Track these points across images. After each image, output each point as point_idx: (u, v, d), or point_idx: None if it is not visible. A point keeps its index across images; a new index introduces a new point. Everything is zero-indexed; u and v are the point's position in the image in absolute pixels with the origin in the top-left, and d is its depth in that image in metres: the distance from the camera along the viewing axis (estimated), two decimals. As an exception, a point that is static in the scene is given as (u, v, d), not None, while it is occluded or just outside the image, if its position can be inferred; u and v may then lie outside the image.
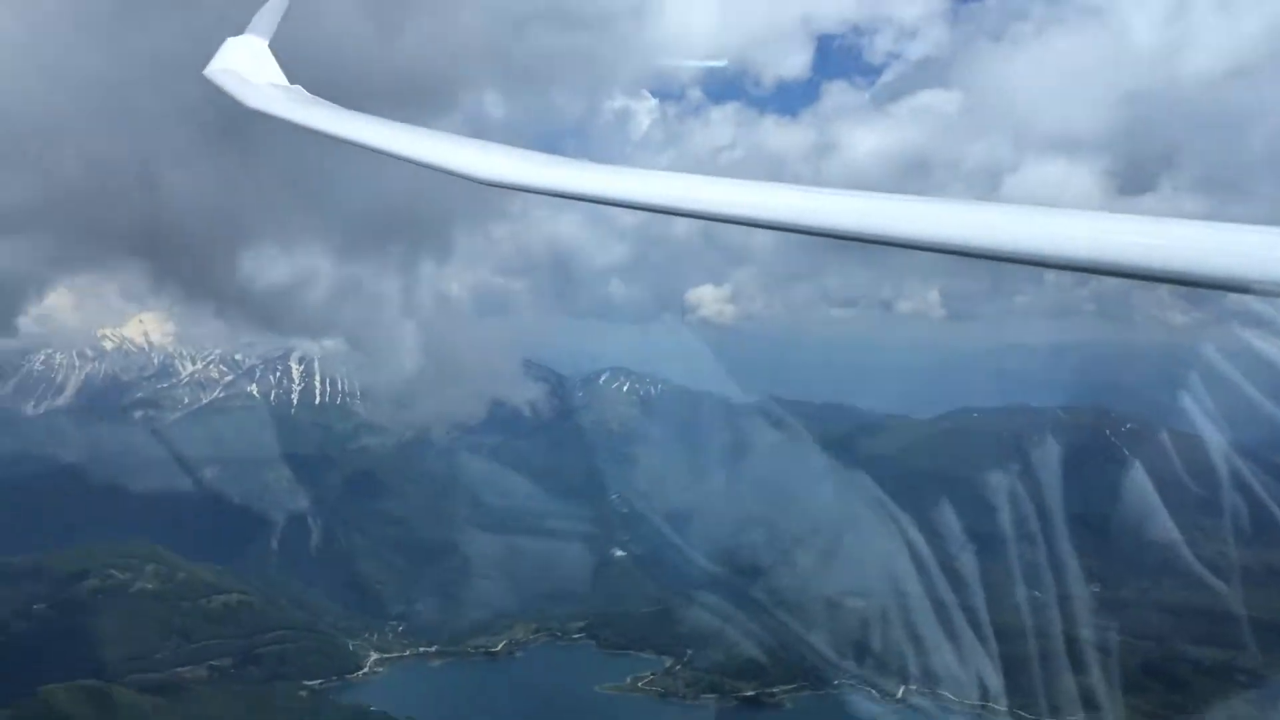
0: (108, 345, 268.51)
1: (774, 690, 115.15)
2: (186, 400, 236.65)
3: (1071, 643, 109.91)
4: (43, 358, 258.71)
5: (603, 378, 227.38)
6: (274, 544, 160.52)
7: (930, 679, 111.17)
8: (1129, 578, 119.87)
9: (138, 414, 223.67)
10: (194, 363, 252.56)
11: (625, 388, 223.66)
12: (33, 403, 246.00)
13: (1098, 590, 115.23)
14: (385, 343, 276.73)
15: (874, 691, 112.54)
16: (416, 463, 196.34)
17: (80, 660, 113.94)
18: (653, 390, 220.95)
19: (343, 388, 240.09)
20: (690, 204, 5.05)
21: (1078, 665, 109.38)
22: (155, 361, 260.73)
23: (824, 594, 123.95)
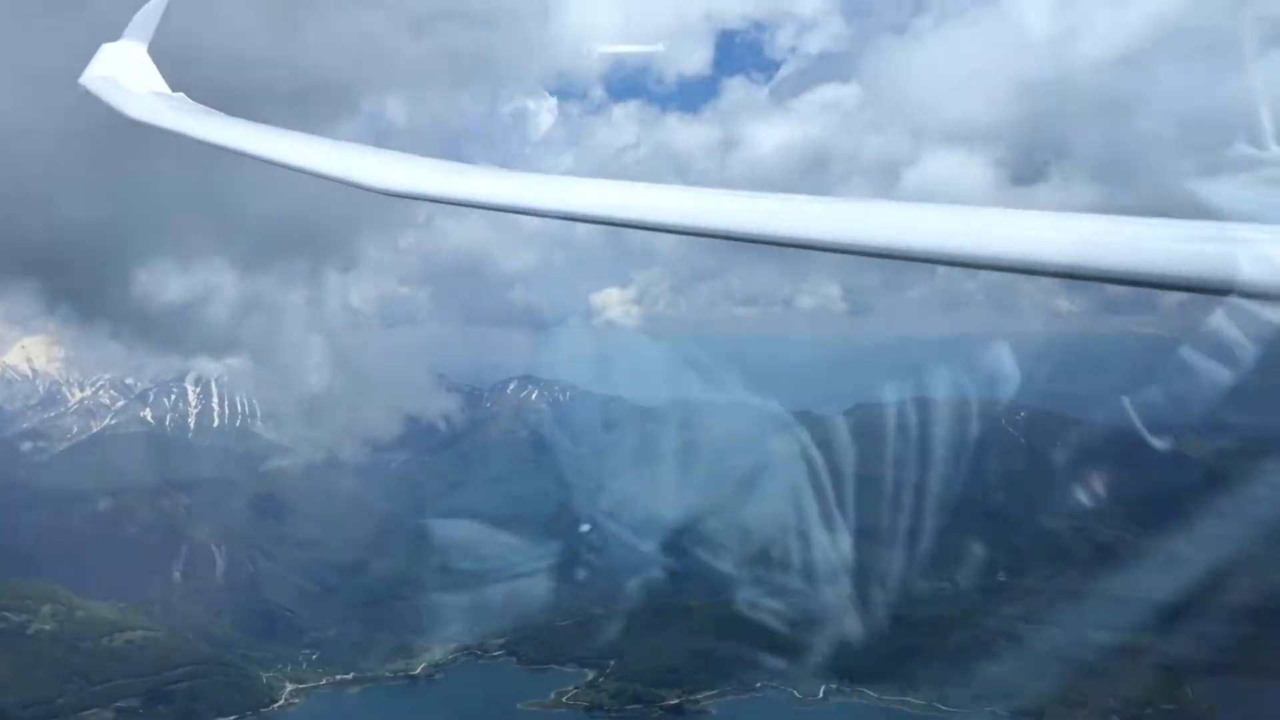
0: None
1: (698, 697, 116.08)
2: (75, 429, 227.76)
3: (982, 632, 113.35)
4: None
5: (510, 386, 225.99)
6: (176, 575, 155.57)
7: (850, 676, 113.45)
8: (1033, 566, 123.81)
9: (25, 445, 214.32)
10: (82, 389, 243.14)
11: (534, 395, 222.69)
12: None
13: (1004, 579, 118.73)
14: (290, 359, 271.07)
15: (796, 692, 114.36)
16: (323, 483, 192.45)
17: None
18: (561, 397, 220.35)
19: (242, 409, 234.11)
20: (591, 209, 4.99)
21: (989, 654, 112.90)
22: (41, 389, 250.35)
23: (741, 596, 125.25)
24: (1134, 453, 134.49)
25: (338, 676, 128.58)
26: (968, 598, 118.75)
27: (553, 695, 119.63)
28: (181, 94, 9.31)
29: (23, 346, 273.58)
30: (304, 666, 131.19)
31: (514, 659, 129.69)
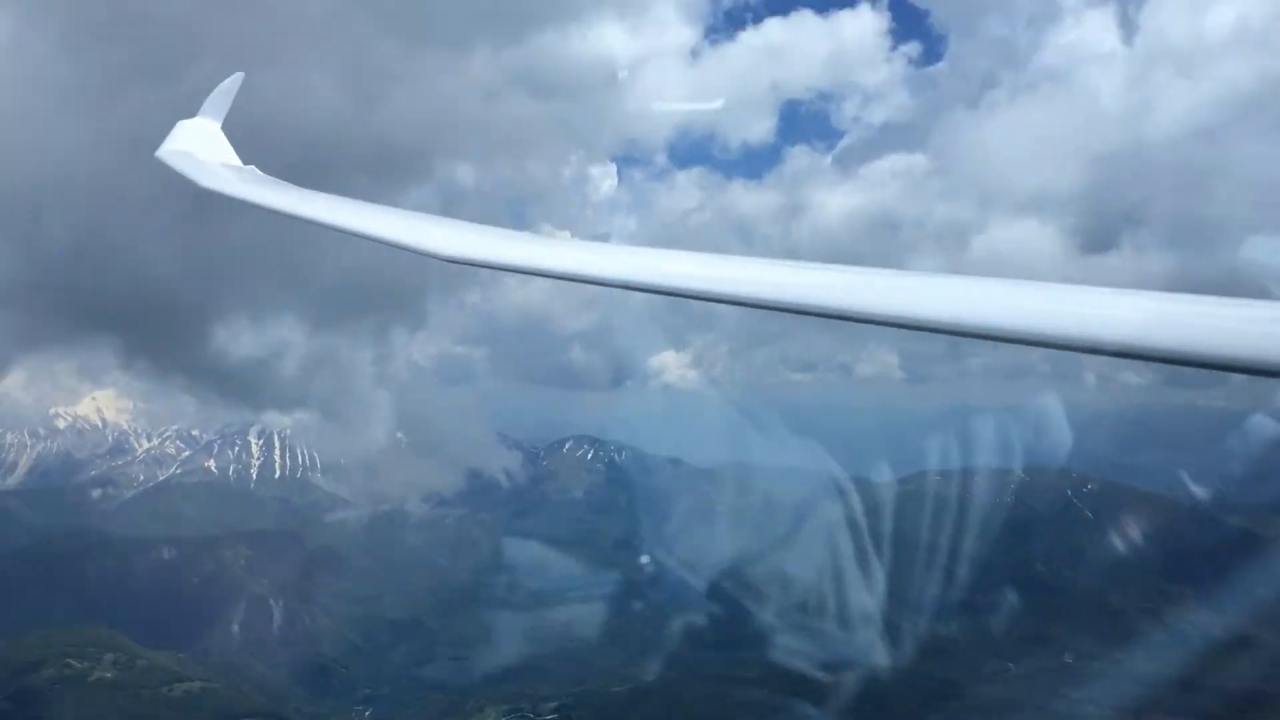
0: (60, 424, 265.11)
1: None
2: (142, 477, 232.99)
3: (1048, 714, 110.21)
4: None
5: (567, 445, 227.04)
6: (235, 627, 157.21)
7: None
8: (1100, 646, 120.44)
9: (95, 493, 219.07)
10: (149, 439, 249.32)
11: (589, 455, 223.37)
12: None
13: (1071, 661, 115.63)
14: (352, 414, 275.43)
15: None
16: (380, 537, 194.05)
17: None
18: (616, 457, 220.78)
19: (303, 461, 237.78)
20: (653, 279, 5.01)
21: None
22: (110, 439, 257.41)
23: (795, 665, 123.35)
24: (1204, 528, 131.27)
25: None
26: (1033, 680, 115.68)
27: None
28: (253, 166, 9.72)
29: (93, 398, 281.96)
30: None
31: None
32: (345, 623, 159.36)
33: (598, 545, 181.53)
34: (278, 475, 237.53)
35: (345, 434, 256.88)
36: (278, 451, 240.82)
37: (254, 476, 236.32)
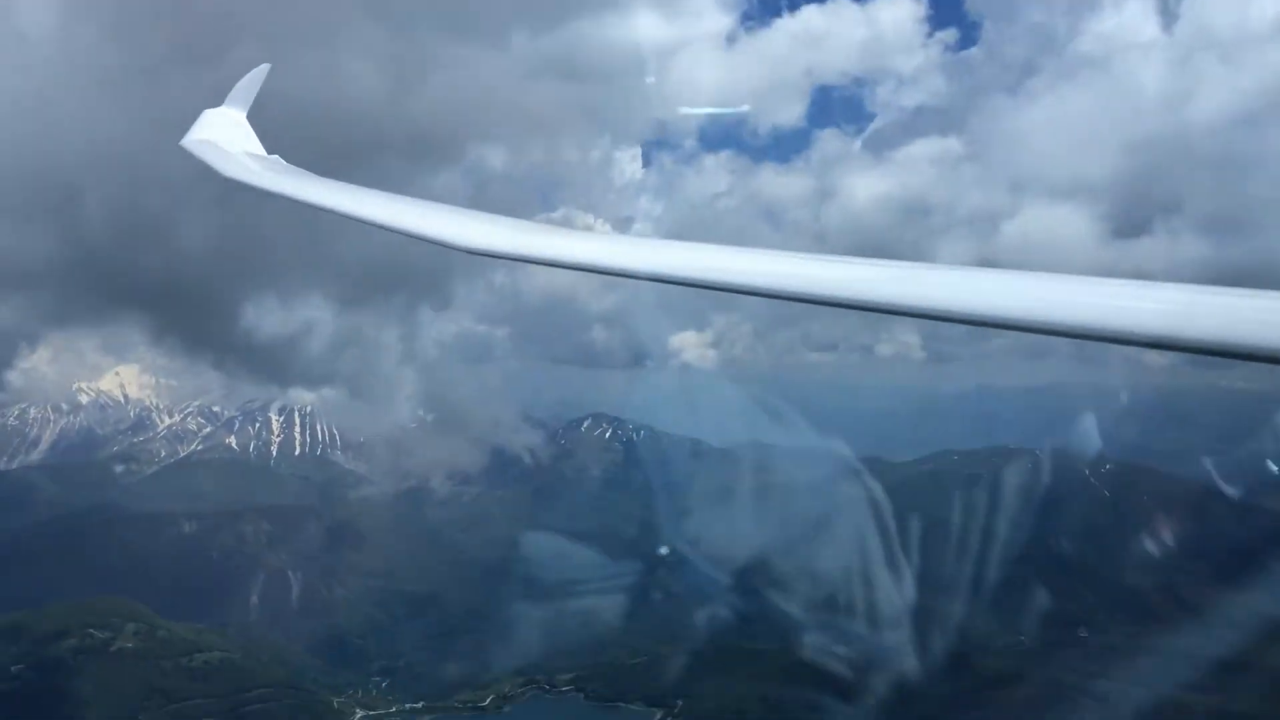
0: (83, 399, 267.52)
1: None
2: (164, 453, 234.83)
3: (1061, 688, 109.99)
4: (16, 412, 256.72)
5: (585, 424, 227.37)
6: (254, 599, 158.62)
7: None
8: (1116, 622, 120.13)
9: (118, 468, 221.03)
10: (171, 415, 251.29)
11: (608, 434, 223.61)
12: (5, 458, 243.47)
13: (1086, 636, 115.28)
14: (371, 391, 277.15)
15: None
16: (398, 513, 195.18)
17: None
18: (634, 436, 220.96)
19: (323, 438, 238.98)
20: (671, 271, 5.06)
21: (1066, 710, 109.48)
22: (131, 414, 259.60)
23: (809, 640, 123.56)
24: (1221, 508, 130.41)
25: (407, 705, 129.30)
26: (1046, 652, 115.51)
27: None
28: (277, 156, 9.82)
29: (116, 373, 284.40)
30: (374, 694, 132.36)
31: (581, 694, 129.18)
32: (363, 596, 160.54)
33: (615, 524, 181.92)
34: (298, 452, 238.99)
35: (366, 411, 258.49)
36: (298, 428, 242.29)
37: (274, 453, 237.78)
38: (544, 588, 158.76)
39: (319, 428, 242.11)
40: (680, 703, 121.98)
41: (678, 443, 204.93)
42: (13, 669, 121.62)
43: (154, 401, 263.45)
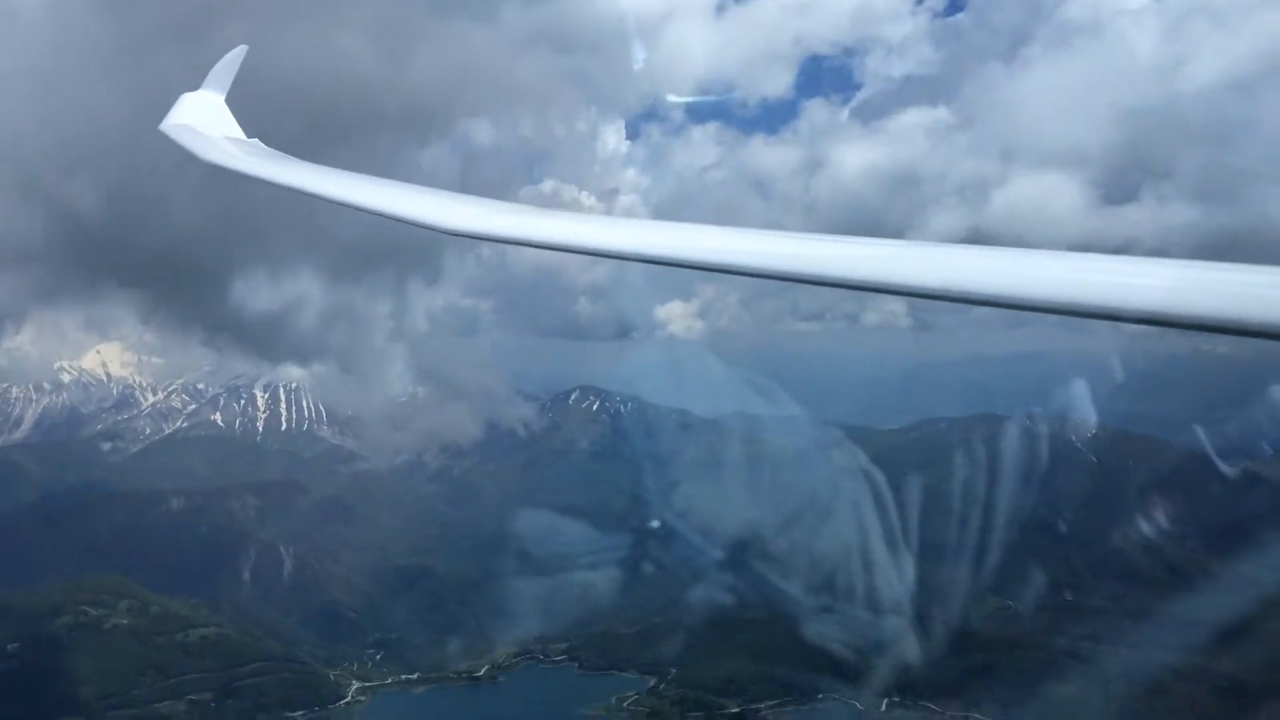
0: (65, 378, 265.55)
1: (759, 706, 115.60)
2: (149, 431, 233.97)
3: (1048, 651, 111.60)
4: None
5: (573, 396, 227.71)
6: (245, 574, 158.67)
7: (912, 691, 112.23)
8: (1101, 584, 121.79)
9: (105, 446, 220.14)
10: (155, 393, 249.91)
11: (595, 406, 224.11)
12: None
13: (1070, 598, 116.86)
14: (355, 367, 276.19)
15: (857, 704, 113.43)
16: (386, 487, 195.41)
17: (58, 699, 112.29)
18: (622, 408, 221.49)
19: (309, 414, 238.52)
20: (653, 251, 5.08)
21: (1055, 673, 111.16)
22: (115, 393, 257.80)
23: (801, 609, 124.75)
24: (1205, 472, 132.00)
25: (403, 676, 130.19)
26: (1033, 617, 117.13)
27: (613, 700, 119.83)
28: (256, 140, 9.81)
29: (98, 352, 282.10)
30: (369, 666, 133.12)
31: (575, 664, 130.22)
32: (354, 570, 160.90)
33: (605, 496, 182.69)
34: (284, 428, 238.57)
35: (352, 386, 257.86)
36: (283, 405, 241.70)
37: (260, 430, 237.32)
38: (536, 560, 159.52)
39: (305, 404, 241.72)
40: (673, 671, 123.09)
41: (666, 414, 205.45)
42: (8, 648, 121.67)
43: (137, 379, 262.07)
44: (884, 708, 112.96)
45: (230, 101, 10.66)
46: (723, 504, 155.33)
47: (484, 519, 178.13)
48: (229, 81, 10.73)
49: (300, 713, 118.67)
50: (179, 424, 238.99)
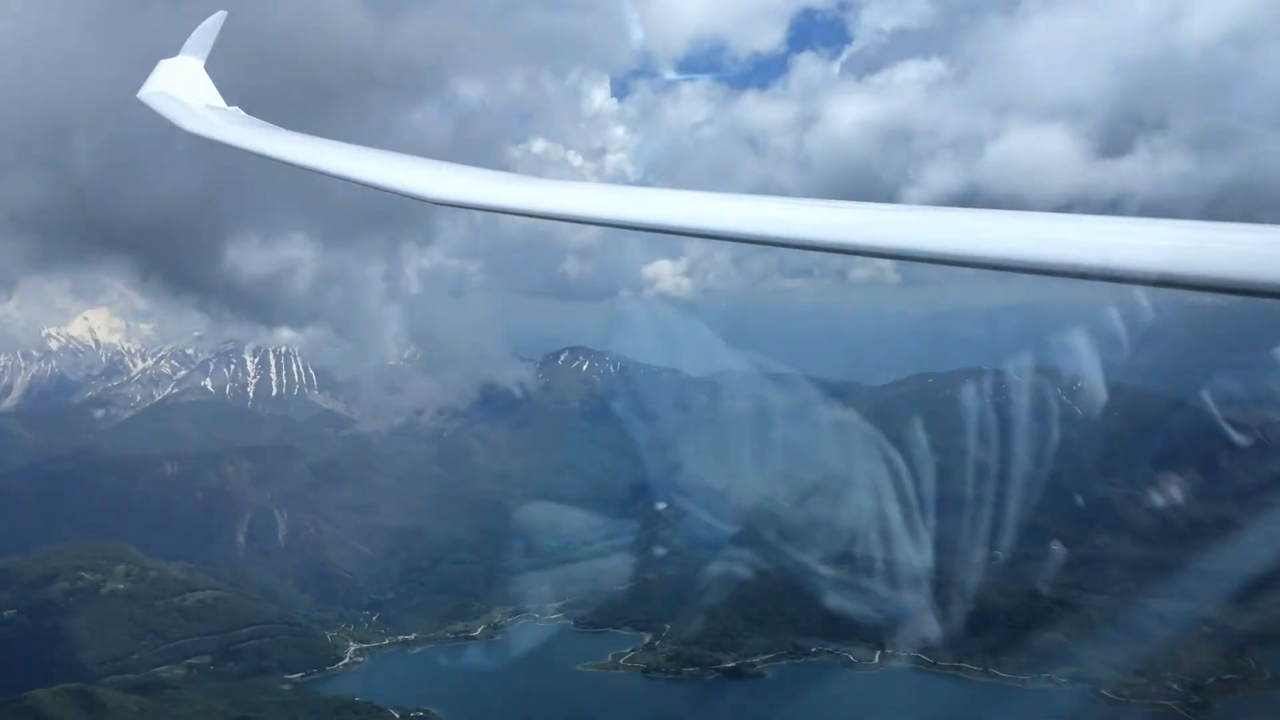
0: (53, 345, 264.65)
1: (753, 660, 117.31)
2: (139, 397, 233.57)
3: (1037, 600, 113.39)
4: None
5: (562, 357, 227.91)
6: (241, 539, 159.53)
7: (904, 642, 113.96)
8: (1087, 535, 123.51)
9: (98, 413, 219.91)
10: (144, 359, 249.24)
11: (585, 366, 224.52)
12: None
13: (1057, 548, 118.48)
14: (345, 331, 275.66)
15: (850, 657, 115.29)
16: (378, 450, 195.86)
17: (56, 664, 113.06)
18: (612, 368, 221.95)
19: (300, 378, 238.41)
20: (637, 217, 5.11)
21: (1045, 623, 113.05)
22: (103, 359, 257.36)
23: (792, 564, 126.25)
24: (1190, 422, 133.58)
25: (400, 637, 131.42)
26: (1022, 567, 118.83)
27: (610, 657, 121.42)
28: (236, 108, 9.65)
29: (85, 318, 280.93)
30: (365, 627, 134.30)
31: (570, 622, 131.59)
32: (349, 532, 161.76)
33: (596, 456, 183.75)
34: (274, 393, 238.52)
35: (341, 350, 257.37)
36: (273, 369, 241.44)
37: (251, 395, 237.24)
38: (528, 520, 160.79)
39: (294, 368, 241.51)
40: (668, 627, 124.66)
41: (655, 373, 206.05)
42: (5, 614, 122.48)
43: (125, 346, 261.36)
44: (876, 660, 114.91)
45: (210, 67, 10.52)
46: (714, 462, 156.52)
47: (476, 480, 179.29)
48: (208, 47, 10.53)
49: (299, 674, 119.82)
50: (169, 390, 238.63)
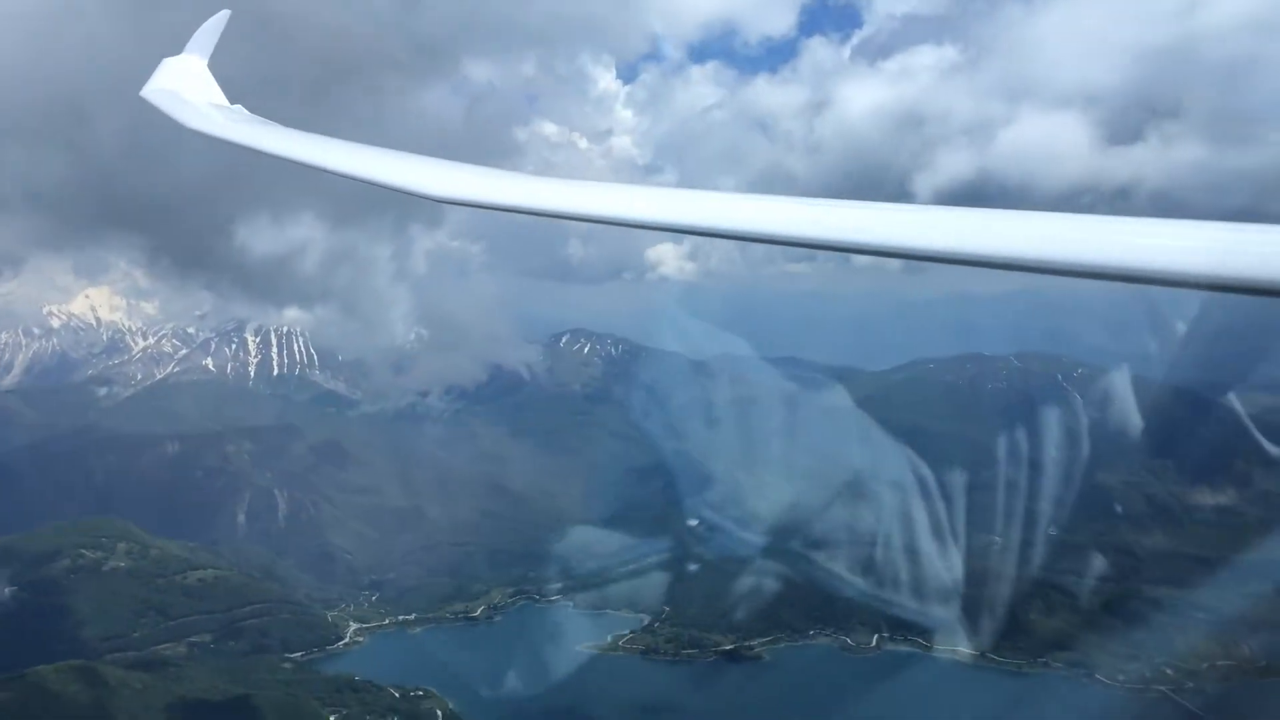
0: (55, 323, 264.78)
1: (752, 643, 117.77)
2: (140, 376, 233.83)
3: (1034, 586, 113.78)
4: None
5: (563, 339, 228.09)
6: (241, 518, 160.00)
7: (901, 625, 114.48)
8: (1086, 521, 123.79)
9: (100, 391, 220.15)
10: (145, 338, 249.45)
11: (586, 348, 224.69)
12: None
13: (1055, 534, 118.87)
14: (346, 312, 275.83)
15: (848, 640, 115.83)
16: (379, 431, 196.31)
17: (59, 641, 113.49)
18: (613, 350, 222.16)
19: (301, 358, 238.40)
20: (641, 216, 5.09)
21: (1041, 607, 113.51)
22: (105, 338, 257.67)
23: (792, 547, 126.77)
24: (1191, 410, 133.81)
25: (400, 617, 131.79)
26: (1019, 552, 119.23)
27: (609, 639, 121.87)
28: (239, 106, 9.72)
29: (86, 296, 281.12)
30: (365, 607, 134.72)
31: (570, 604, 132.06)
32: (349, 512, 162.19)
33: (598, 438, 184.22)
34: (275, 373, 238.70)
35: (342, 331, 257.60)
36: (275, 349, 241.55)
37: (252, 374, 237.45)
38: (529, 501, 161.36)
39: (296, 348, 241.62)
40: (667, 609, 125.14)
41: (657, 356, 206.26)
42: (6, 591, 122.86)
43: (127, 324, 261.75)
44: (874, 643, 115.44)
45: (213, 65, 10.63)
46: (715, 445, 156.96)
47: (477, 461, 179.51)
48: (212, 46, 10.65)
49: (300, 653, 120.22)
50: (170, 369, 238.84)
